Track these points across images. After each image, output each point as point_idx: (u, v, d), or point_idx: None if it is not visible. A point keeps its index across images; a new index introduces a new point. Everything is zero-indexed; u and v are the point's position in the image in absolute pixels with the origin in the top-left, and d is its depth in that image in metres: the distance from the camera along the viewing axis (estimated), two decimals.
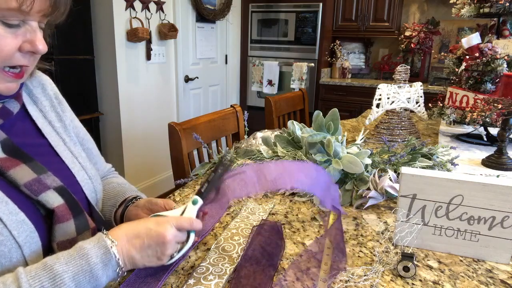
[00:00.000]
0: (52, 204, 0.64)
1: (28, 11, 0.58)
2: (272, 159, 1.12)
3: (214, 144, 1.56)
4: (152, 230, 0.61)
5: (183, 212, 0.67)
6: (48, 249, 0.65)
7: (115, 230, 0.61)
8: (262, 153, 1.15)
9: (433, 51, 3.85)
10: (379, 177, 0.99)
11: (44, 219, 0.65)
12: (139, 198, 0.84)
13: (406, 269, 0.67)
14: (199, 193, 0.67)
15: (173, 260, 0.65)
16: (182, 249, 0.65)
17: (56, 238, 0.65)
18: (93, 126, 2.73)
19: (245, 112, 1.38)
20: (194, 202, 0.66)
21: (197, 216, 0.68)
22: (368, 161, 1.06)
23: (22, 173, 0.64)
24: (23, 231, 0.60)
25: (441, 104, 1.68)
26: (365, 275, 0.67)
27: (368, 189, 0.99)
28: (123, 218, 0.82)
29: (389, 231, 0.85)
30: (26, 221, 0.61)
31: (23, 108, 0.74)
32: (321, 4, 3.76)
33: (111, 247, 0.58)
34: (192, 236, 0.66)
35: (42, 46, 0.63)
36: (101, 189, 0.83)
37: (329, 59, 4.13)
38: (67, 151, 0.77)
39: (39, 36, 0.63)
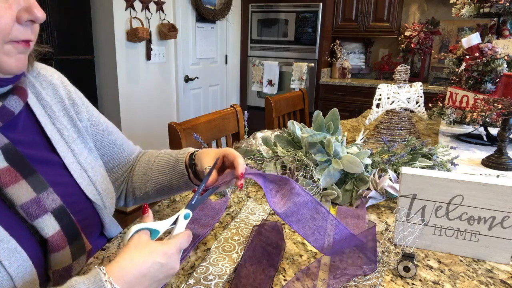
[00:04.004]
0: (46, 233, 0.60)
1: None
2: (272, 159, 1.12)
3: (214, 144, 1.56)
4: (164, 266, 0.55)
5: (174, 223, 0.63)
6: (45, 278, 0.61)
7: (116, 271, 0.51)
8: (262, 153, 1.15)
9: (433, 51, 3.85)
10: (379, 177, 0.99)
11: (40, 245, 0.61)
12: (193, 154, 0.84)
13: (407, 269, 0.68)
14: (189, 206, 0.64)
15: None
16: None
17: (51, 267, 0.61)
18: None
19: (245, 112, 1.38)
20: (186, 217, 0.63)
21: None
22: (368, 161, 1.06)
23: (20, 192, 0.59)
24: (14, 260, 0.56)
25: (441, 104, 1.68)
26: (365, 275, 0.67)
27: (368, 189, 0.99)
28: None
29: (389, 231, 0.85)
30: (19, 249, 0.57)
31: (31, 112, 0.70)
32: (321, 4, 3.76)
33: None
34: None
35: (40, 13, 0.58)
36: (113, 204, 0.81)
37: (329, 59, 4.13)
38: (76, 163, 0.73)
39: (33, 1, 0.57)
